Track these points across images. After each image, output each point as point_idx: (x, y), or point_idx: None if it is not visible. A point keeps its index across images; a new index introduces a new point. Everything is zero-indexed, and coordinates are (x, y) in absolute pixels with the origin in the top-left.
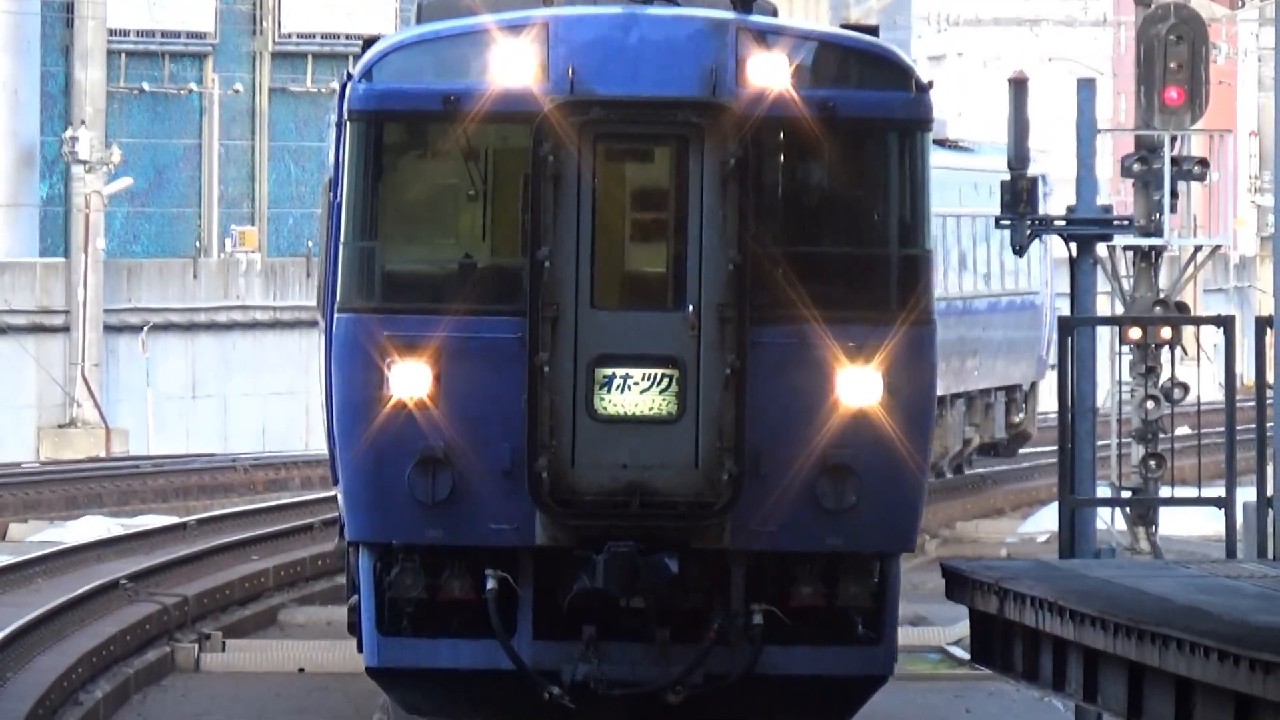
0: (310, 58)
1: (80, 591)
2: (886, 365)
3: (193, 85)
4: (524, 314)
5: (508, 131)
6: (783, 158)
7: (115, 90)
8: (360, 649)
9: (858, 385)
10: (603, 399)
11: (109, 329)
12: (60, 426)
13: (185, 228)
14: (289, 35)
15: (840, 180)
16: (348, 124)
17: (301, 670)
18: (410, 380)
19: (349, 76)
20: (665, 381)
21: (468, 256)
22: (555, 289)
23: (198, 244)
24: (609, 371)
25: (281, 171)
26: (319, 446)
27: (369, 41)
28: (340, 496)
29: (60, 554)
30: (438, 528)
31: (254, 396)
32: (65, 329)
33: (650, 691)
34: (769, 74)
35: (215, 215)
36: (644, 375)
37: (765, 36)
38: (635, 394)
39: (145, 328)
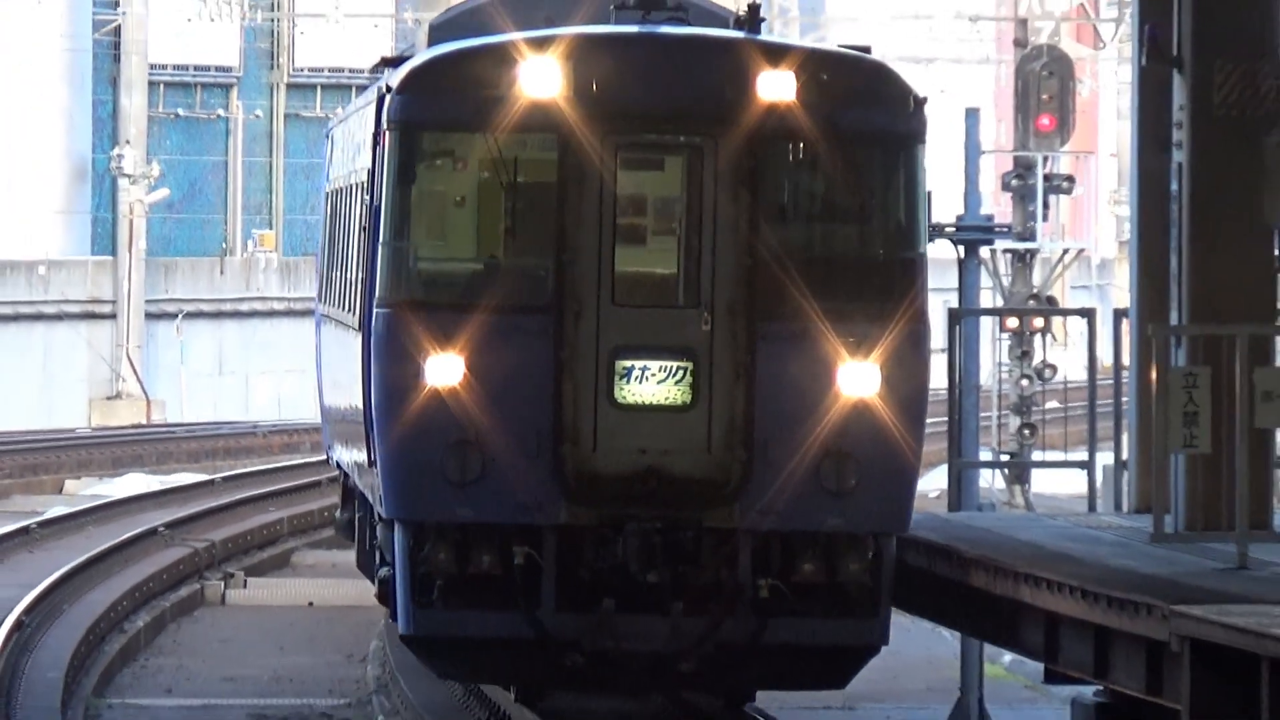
0: (319, 88)
1: (124, 537)
2: (884, 359)
3: (220, 111)
4: (550, 310)
5: (535, 141)
6: (789, 166)
7: (155, 115)
8: (393, 617)
9: (858, 378)
10: (622, 389)
11: (149, 316)
12: (108, 398)
13: (213, 231)
14: (301, 69)
15: (842, 188)
16: (386, 133)
17: (311, 604)
18: (444, 370)
19: (387, 89)
20: (680, 373)
21: (498, 257)
22: (579, 287)
23: (224, 245)
24: (628, 363)
25: (294, 184)
26: None
27: (387, 60)
28: (376, 476)
29: (107, 506)
30: (468, 507)
31: (271, 373)
32: (112, 316)
33: (664, 660)
34: (777, 89)
35: (239, 221)
36: (660, 367)
37: (774, 55)
38: (652, 384)
39: (180, 315)
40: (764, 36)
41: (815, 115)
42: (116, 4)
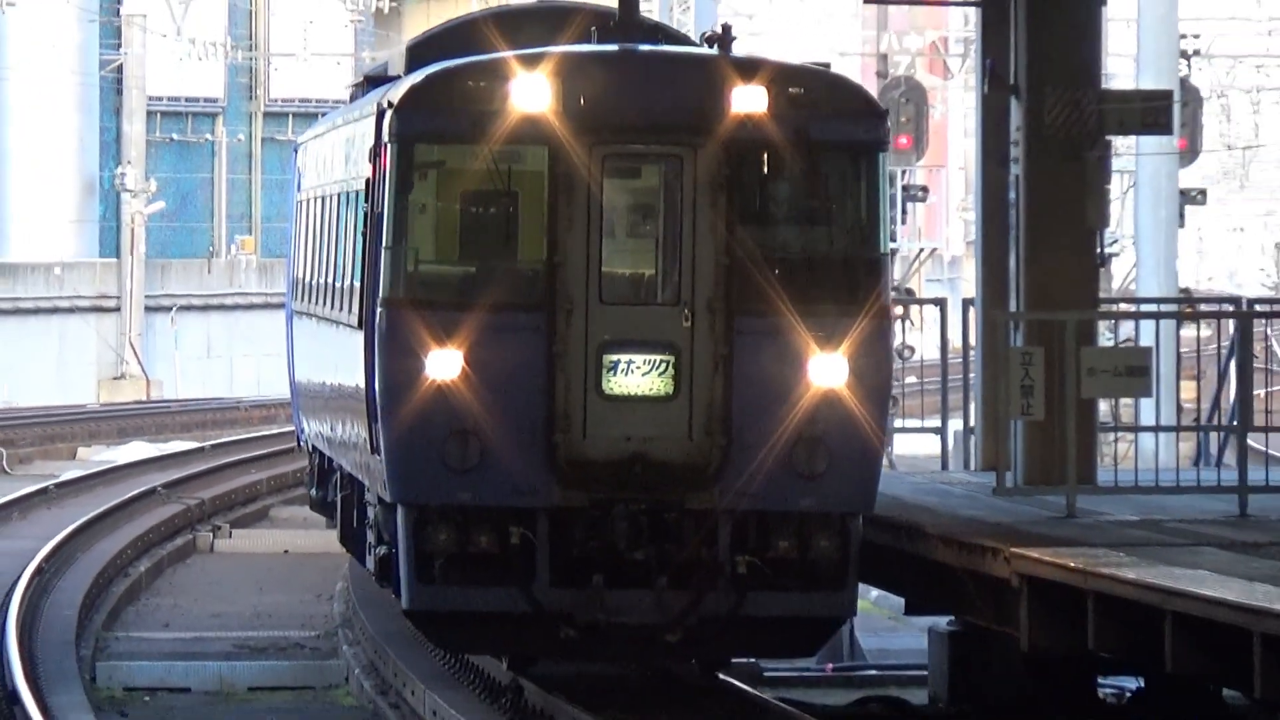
0: (291, 116)
1: (128, 496)
2: (851, 351)
3: (207, 135)
4: (543, 308)
5: (527, 151)
6: (763, 173)
7: (152, 139)
8: (396, 594)
9: (827, 369)
10: (609, 381)
11: (148, 309)
12: (114, 379)
13: (201, 237)
14: (275, 100)
15: (811, 193)
16: (388, 145)
17: (286, 551)
18: (444, 364)
19: (388, 105)
20: (663, 366)
21: (493, 259)
22: (569, 287)
23: (210, 248)
24: (615, 357)
25: (270, 197)
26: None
27: (370, 79)
28: (380, 462)
29: (114, 469)
30: (467, 491)
31: (252, 357)
32: (117, 309)
33: (651, 631)
34: (751, 102)
35: (223, 228)
36: (645, 360)
37: (746, 70)
38: (637, 376)
39: (174, 308)
40: (739, 54)
41: (786, 126)
42: (119, 45)
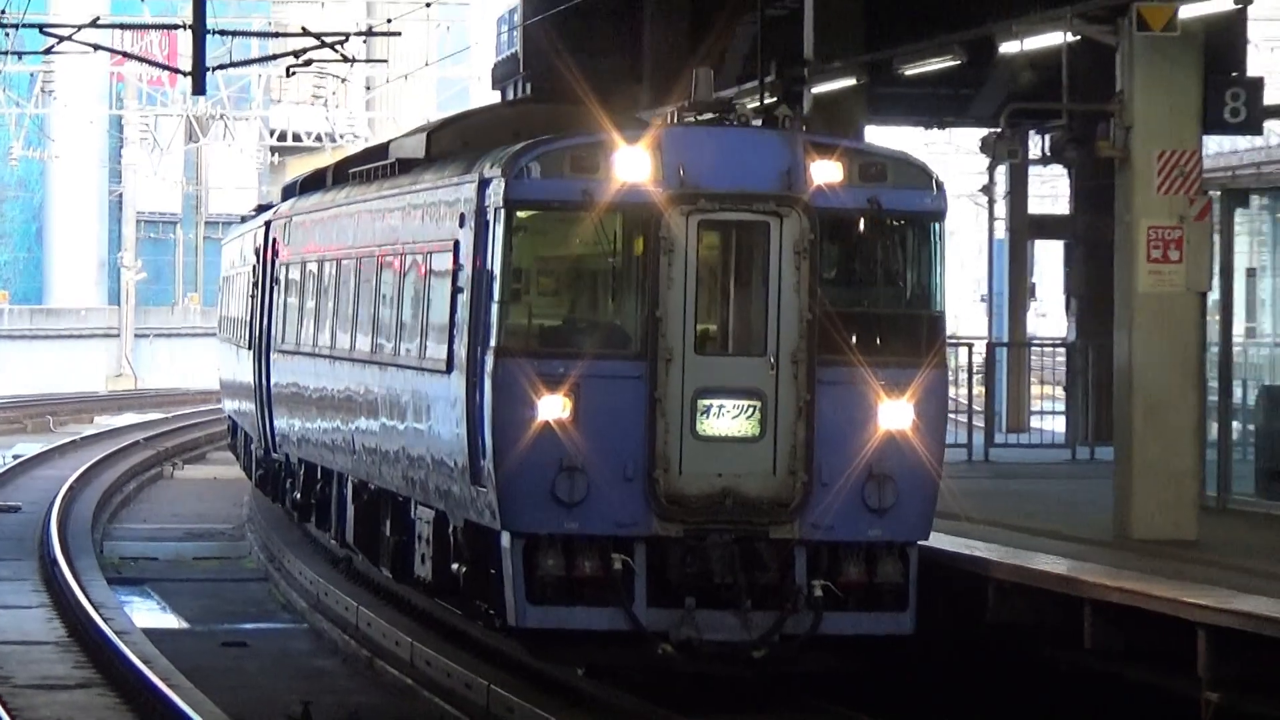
0: (221, 224)
1: (123, 444)
2: (915, 398)
3: (171, 235)
4: (643, 358)
5: (629, 216)
6: (839, 238)
7: (140, 237)
8: (497, 612)
9: (895, 414)
10: (703, 423)
11: (136, 336)
12: (116, 377)
13: (167, 294)
14: (211, 214)
15: (881, 257)
16: (500, 210)
17: (215, 478)
18: (554, 407)
19: (498, 175)
20: (751, 410)
21: (598, 313)
22: (667, 338)
23: (173, 301)
24: (708, 402)
25: (208, 271)
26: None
27: (403, 163)
28: (489, 495)
29: (115, 430)
30: (574, 521)
31: (196, 366)
32: (118, 336)
33: (739, 648)
34: (829, 175)
35: (181, 288)
36: (735, 405)
37: (825, 147)
38: (728, 419)
39: (151, 335)
40: (814, 134)
41: (860, 196)
42: (120, 181)
